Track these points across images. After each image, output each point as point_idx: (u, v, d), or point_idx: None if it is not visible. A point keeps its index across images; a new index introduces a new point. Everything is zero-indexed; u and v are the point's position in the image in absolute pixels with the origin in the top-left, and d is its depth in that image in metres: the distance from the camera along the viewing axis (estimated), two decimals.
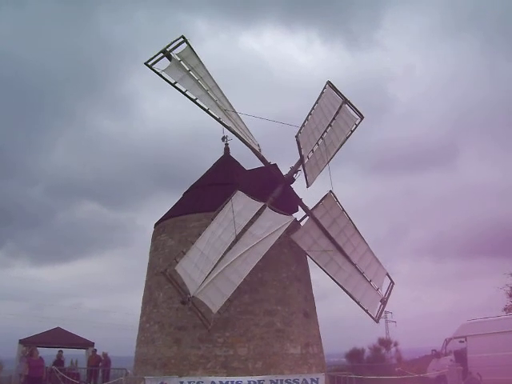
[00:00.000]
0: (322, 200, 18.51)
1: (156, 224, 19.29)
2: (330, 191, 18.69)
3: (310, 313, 17.97)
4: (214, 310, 14.62)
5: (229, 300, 15.07)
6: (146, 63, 16.08)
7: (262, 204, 16.38)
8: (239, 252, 15.35)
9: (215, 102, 16.80)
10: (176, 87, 16.19)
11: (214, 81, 17.36)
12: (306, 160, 17.70)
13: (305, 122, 18.54)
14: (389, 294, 18.76)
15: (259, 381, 14.86)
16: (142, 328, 18.05)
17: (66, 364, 23.68)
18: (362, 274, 18.00)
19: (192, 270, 15.06)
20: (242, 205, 16.33)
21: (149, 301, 17.94)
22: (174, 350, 16.13)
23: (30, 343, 24.09)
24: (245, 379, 14.89)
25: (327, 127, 18.90)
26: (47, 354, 25.36)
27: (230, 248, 15.39)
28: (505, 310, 30.28)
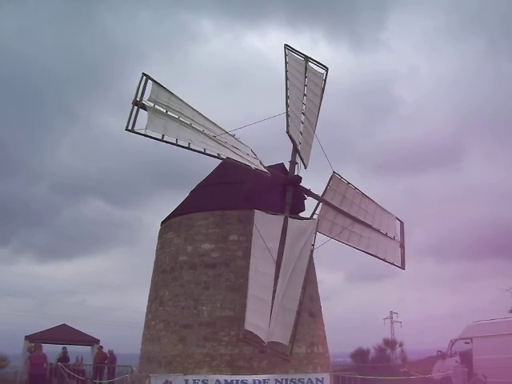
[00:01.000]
0: (329, 183, 18.84)
1: (162, 222, 19.32)
2: (334, 172, 18.98)
3: (315, 313, 17.95)
4: (286, 342, 14.84)
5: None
6: (126, 129, 14.60)
7: (282, 216, 16.40)
8: (285, 279, 15.47)
9: (202, 132, 16.04)
10: (165, 141, 14.91)
11: (191, 107, 16.40)
12: (298, 146, 17.55)
13: (287, 108, 17.58)
14: (403, 235, 19.82)
15: (264, 380, 14.87)
16: (147, 326, 18.09)
17: (72, 361, 23.80)
18: (378, 231, 18.74)
19: (257, 318, 14.76)
20: (265, 225, 16.06)
21: (154, 299, 17.98)
22: (179, 348, 16.16)
23: (36, 339, 24.22)
24: (250, 378, 14.90)
25: (304, 99, 18.75)
26: (53, 350, 25.49)
27: (276, 278, 15.41)
28: (511, 311, 30.21)
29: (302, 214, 18.20)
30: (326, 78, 19.87)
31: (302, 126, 18.02)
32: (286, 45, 19.22)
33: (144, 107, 14.87)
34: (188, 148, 14.99)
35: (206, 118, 16.42)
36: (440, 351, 23.52)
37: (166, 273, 17.71)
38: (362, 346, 40.32)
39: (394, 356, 40.69)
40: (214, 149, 15.42)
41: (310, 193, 18.27)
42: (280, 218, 16.30)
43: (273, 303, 15.06)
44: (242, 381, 14.80)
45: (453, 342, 22.67)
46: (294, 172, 17.70)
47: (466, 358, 21.29)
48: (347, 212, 18.61)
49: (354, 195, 19.22)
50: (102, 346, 24.80)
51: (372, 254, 18.40)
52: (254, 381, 14.84)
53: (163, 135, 14.77)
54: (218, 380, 14.83)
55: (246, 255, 16.42)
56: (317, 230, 16.96)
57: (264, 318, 14.78)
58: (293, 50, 19.36)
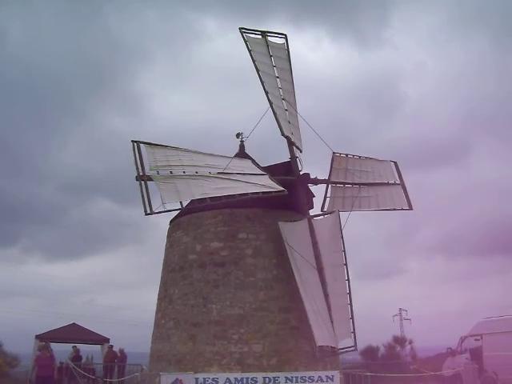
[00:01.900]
0: (332, 164, 19.08)
1: (171, 221, 19.37)
2: (334, 152, 19.18)
3: None
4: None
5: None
6: (146, 214, 14.02)
7: (305, 219, 16.75)
8: (330, 280, 16.10)
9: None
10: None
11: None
12: (293, 138, 17.86)
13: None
14: (400, 176, 20.46)
15: (274, 377, 14.90)
16: (157, 324, 18.15)
17: (82, 360, 23.95)
18: (380, 184, 19.63)
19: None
20: (292, 234, 16.45)
21: (164, 297, 18.03)
22: (189, 347, 16.18)
23: (47, 339, 24.36)
24: (260, 376, 14.93)
25: (278, 83, 18.71)
26: (63, 349, 25.66)
27: (322, 283, 16.00)
28: None
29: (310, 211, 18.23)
30: (287, 46, 19.71)
31: (287, 113, 18.22)
32: (241, 28, 18.79)
33: (149, 178, 14.14)
34: (207, 200, 14.90)
35: (204, 153, 16.07)
36: (450, 348, 23.47)
37: (175, 271, 17.75)
38: (371, 344, 40.19)
39: (404, 353, 40.53)
40: (228, 190, 15.21)
41: (317, 181, 18.52)
42: (304, 223, 16.55)
43: (328, 308, 15.92)
44: (251, 378, 14.83)
45: (463, 339, 22.61)
46: (298, 169, 17.87)
47: (477, 354, 21.23)
48: (352, 182, 19.20)
49: (354, 163, 19.73)
50: (112, 345, 24.93)
51: (383, 209, 19.60)
52: (264, 378, 14.87)
53: (181, 203, 14.46)
54: (228, 378, 14.86)
55: (256, 253, 16.50)
56: (339, 220, 17.42)
57: (328, 326, 15.46)
58: (249, 30, 19.04)
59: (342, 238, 17.23)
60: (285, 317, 16.34)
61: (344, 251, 17.17)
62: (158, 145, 15.17)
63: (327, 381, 15.26)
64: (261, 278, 16.52)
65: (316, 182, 18.47)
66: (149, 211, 13.59)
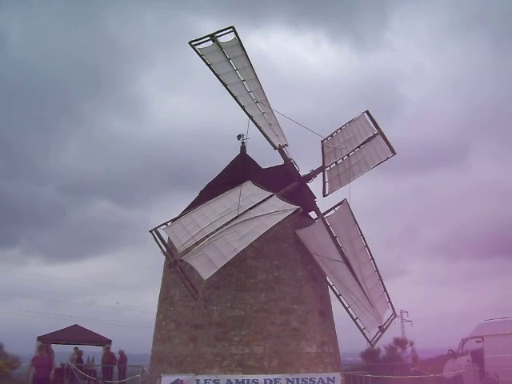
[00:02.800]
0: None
1: (172, 221, 19.32)
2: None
3: (325, 312, 17.95)
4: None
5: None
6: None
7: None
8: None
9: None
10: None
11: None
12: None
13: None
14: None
15: (275, 379, 14.91)
16: (158, 326, 18.15)
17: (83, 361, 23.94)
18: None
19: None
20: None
21: (165, 299, 18.04)
22: (190, 348, 16.20)
23: (49, 340, 24.40)
24: (261, 377, 14.94)
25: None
26: (65, 350, 25.66)
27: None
28: None
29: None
30: (239, 39, 18.88)
31: (265, 115, 18.35)
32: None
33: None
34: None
35: (211, 202, 16.06)
36: (451, 350, 23.40)
37: (176, 273, 17.72)
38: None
39: (405, 355, 40.51)
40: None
41: (315, 173, 18.91)
42: (319, 224, 16.93)
43: (365, 293, 17.17)
44: (252, 380, 14.84)
45: (464, 341, 22.56)
46: (296, 172, 18.29)
47: (478, 356, 21.17)
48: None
49: (339, 137, 19.98)
50: (109, 346, 24.91)
51: (373, 167, 20.11)
52: (265, 380, 14.87)
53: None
54: (229, 380, 14.87)
55: (257, 255, 16.50)
56: (301, 235, 17.33)
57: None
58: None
59: (357, 223, 18.37)
60: (286, 318, 16.36)
61: (362, 235, 18.48)
62: (171, 220, 15.52)
63: (328, 382, 15.24)
64: (262, 280, 16.54)
65: (314, 174, 18.86)
66: (196, 296, 14.73)
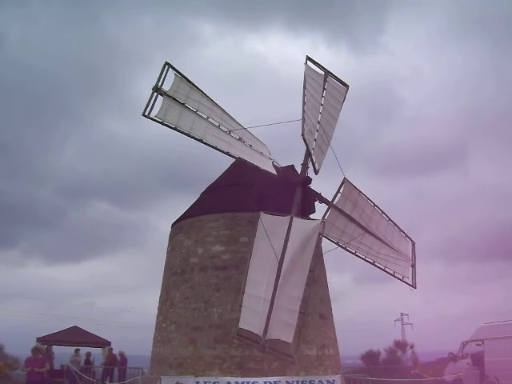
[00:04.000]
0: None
1: (173, 224, 19.39)
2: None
3: (326, 314, 17.92)
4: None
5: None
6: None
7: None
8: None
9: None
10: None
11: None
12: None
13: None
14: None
15: (275, 382, 14.88)
16: (158, 328, 18.15)
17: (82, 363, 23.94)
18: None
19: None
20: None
21: (165, 300, 18.04)
22: (190, 350, 16.20)
23: (48, 341, 24.39)
24: (260, 380, 14.91)
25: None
26: (64, 352, 25.67)
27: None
28: None
29: (313, 216, 18.15)
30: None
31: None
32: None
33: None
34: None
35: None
36: (451, 353, 23.41)
37: (176, 275, 17.77)
38: (372, 348, 40.16)
39: (405, 358, 40.48)
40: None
41: (320, 197, 17.92)
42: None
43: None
44: (252, 383, 14.81)
45: (464, 344, 22.56)
46: (304, 174, 17.65)
47: (478, 359, 21.17)
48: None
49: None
50: (112, 348, 24.93)
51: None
52: (265, 383, 14.85)
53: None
54: (228, 382, 14.85)
55: None
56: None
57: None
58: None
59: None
60: None
61: (368, 199, 18.24)
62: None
63: None
64: None
65: (318, 196, 17.90)
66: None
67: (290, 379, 15.05)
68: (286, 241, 15.72)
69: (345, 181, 18.21)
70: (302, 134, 16.76)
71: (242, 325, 14.39)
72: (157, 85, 15.44)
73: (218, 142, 15.59)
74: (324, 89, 19.08)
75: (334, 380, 15.44)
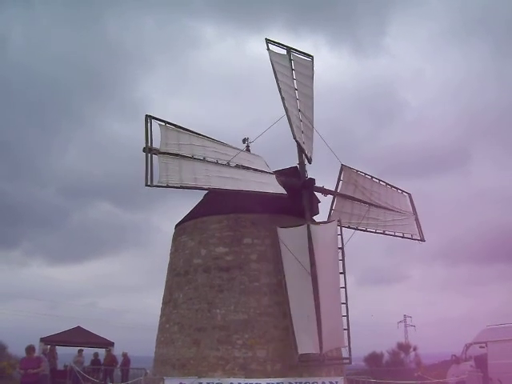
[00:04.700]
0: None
1: (177, 225, 19.41)
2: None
3: None
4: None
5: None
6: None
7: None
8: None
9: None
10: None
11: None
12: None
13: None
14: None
15: (278, 383, 14.89)
16: (161, 328, 18.17)
17: (86, 363, 23.98)
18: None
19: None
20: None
21: (168, 301, 18.06)
22: (193, 351, 16.20)
23: (51, 342, 24.44)
24: (264, 381, 14.93)
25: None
26: (68, 352, 25.72)
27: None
28: None
29: (317, 217, 18.21)
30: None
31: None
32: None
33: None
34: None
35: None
36: (454, 355, 23.29)
37: (180, 276, 17.78)
38: (375, 350, 40.15)
39: (408, 360, 40.45)
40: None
41: (324, 190, 18.45)
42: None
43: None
44: None
45: (467, 346, 22.45)
46: (304, 174, 17.90)
47: (481, 362, 21.05)
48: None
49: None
50: (110, 349, 24.93)
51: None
52: None
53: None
54: (231, 383, 14.87)
55: (260, 258, 16.53)
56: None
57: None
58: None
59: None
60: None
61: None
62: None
63: None
64: (265, 283, 16.53)
65: (322, 190, 18.39)
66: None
67: (292, 381, 15.06)
68: (311, 250, 16.06)
69: (343, 167, 19.05)
70: (294, 138, 17.34)
71: (302, 350, 15.10)
72: (147, 145, 14.30)
73: (224, 181, 15.07)
74: (292, 69, 19.17)
75: (336, 382, 15.45)
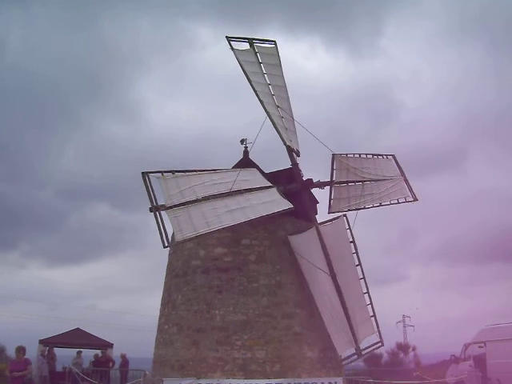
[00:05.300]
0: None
1: None
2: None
3: None
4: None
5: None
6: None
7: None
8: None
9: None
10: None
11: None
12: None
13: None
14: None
15: None
16: (160, 330, 18.17)
17: (85, 364, 23.92)
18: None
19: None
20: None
21: (167, 302, 18.06)
22: (193, 352, 16.21)
23: (50, 343, 24.37)
24: (263, 382, 14.94)
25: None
26: (67, 354, 25.64)
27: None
28: None
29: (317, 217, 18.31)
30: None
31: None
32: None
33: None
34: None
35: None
36: (453, 355, 23.31)
37: (178, 277, 17.78)
38: (374, 350, 40.02)
39: (407, 360, 40.39)
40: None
41: (321, 184, 18.82)
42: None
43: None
44: None
45: (466, 346, 22.46)
46: (300, 175, 18.21)
47: (480, 362, 21.07)
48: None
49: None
50: (105, 350, 24.85)
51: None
52: None
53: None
54: None
55: (259, 259, 16.57)
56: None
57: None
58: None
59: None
60: (288, 323, 16.36)
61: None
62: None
63: None
64: (264, 284, 16.55)
65: (320, 185, 18.80)
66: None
67: (291, 381, 15.07)
68: (325, 251, 16.99)
69: (334, 156, 19.28)
70: (285, 144, 17.54)
71: (341, 351, 16.45)
72: (152, 205, 14.00)
73: (233, 215, 14.92)
74: (260, 63, 18.76)
75: (336, 382, 15.48)
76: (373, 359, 37.68)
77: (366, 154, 20.53)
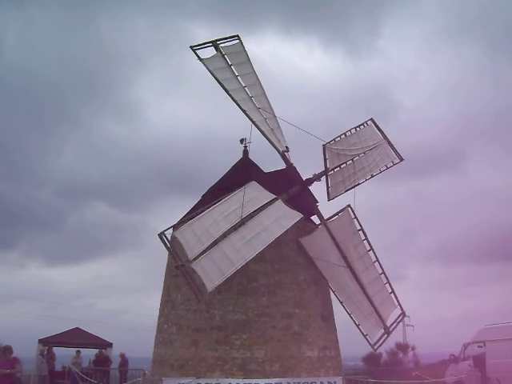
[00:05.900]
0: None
1: (175, 226, 19.33)
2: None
3: (327, 316, 17.94)
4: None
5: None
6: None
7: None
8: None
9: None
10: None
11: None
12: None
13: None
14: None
15: (276, 383, 14.90)
16: (159, 329, 18.16)
17: (85, 364, 23.94)
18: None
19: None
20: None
21: (167, 302, 18.05)
22: (192, 352, 16.20)
23: (50, 343, 24.39)
24: (262, 381, 14.94)
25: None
26: (66, 353, 25.66)
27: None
28: None
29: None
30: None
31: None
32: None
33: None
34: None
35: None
36: (453, 355, 23.30)
37: (178, 276, 17.70)
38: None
39: (407, 360, 40.42)
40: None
41: (318, 176, 18.98)
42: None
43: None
44: None
45: (466, 346, 22.45)
46: (298, 176, 18.44)
47: (480, 361, 21.06)
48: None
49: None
50: (102, 350, 24.85)
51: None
52: None
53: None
54: (230, 383, 14.87)
55: (258, 259, 16.49)
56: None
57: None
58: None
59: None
60: (287, 323, 16.36)
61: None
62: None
63: None
64: (263, 284, 16.54)
65: (317, 178, 18.90)
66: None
67: (291, 381, 15.08)
68: (337, 245, 17.56)
69: (325, 147, 19.28)
70: (279, 151, 17.82)
71: (373, 339, 17.28)
72: (178, 264, 14.16)
73: (251, 246, 15.00)
74: (230, 65, 18.15)
75: (335, 382, 15.50)
76: (372, 359, 37.72)
77: (350, 130, 20.64)
